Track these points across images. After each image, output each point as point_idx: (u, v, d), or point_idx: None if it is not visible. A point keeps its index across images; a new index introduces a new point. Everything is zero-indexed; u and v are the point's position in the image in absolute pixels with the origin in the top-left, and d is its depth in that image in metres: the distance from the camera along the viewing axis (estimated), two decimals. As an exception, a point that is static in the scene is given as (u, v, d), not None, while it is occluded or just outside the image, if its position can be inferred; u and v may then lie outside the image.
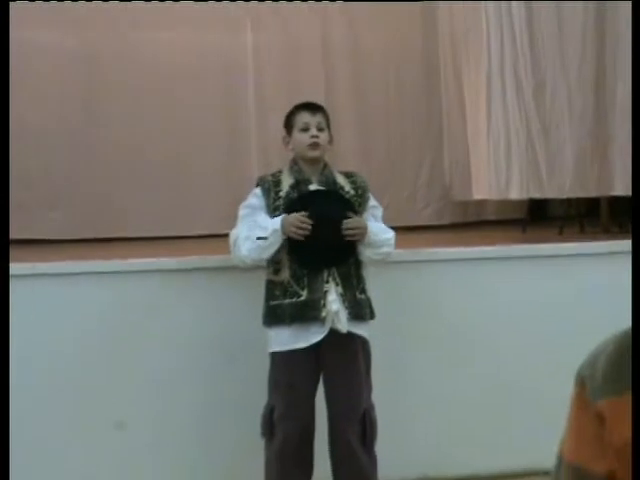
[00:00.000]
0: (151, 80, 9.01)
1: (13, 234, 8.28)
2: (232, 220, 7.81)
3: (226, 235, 7.08)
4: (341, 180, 6.22)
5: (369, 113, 8.31)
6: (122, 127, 8.92)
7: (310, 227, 5.99)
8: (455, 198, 9.13)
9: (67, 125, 8.95)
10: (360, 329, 6.04)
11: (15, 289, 6.44)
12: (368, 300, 6.11)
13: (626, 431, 1.53)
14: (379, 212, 6.23)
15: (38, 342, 6.55)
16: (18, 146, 8.59)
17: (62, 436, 6.58)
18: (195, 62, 9.05)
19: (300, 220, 5.96)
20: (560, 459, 1.76)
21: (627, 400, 1.54)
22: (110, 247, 8.27)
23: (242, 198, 8.39)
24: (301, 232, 5.97)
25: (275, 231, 5.98)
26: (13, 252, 7.27)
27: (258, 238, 6.03)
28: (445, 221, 9.07)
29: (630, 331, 1.57)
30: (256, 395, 6.20)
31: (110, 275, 6.68)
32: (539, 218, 9.19)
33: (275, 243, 6.01)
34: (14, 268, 6.58)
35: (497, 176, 8.15)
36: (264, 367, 6.15)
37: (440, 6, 9.12)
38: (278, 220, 6.00)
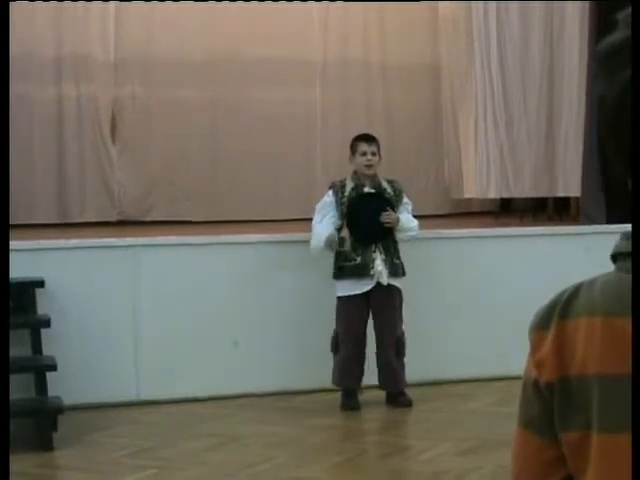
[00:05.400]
0: (258, 122, 8.65)
1: (165, 217, 8.29)
2: (305, 209, 7.63)
3: (302, 219, 7.10)
4: (385, 185, 6.13)
5: (397, 141, 8.08)
6: (236, 147, 8.63)
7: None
8: (452, 196, 8.91)
9: (202, 145, 8.69)
10: (396, 282, 6.00)
11: (172, 253, 6.34)
12: (401, 263, 6.03)
13: (544, 351, 1.12)
14: (410, 207, 6.15)
15: (192, 286, 6.32)
16: (181, 160, 8.52)
17: (194, 352, 6.37)
18: (283, 109, 8.74)
19: (334, 241, 5.91)
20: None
21: (550, 331, 1.13)
22: (223, 226, 7.70)
23: (312, 196, 8.11)
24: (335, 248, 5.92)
25: (323, 243, 5.92)
26: (173, 230, 7.19)
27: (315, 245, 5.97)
28: (444, 212, 8.79)
29: (577, 285, 1.13)
30: (327, 324, 6.09)
31: (230, 245, 6.49)
32: (506, 210, 8.91)
33: (323, 250, 5.95)
34: (181, 239, 6.49)
35: (480, 182, 8.06)
36: (333, 306, 6.08)
37: (442, 71, 8.94)
38: (324, 237, 5.90)
